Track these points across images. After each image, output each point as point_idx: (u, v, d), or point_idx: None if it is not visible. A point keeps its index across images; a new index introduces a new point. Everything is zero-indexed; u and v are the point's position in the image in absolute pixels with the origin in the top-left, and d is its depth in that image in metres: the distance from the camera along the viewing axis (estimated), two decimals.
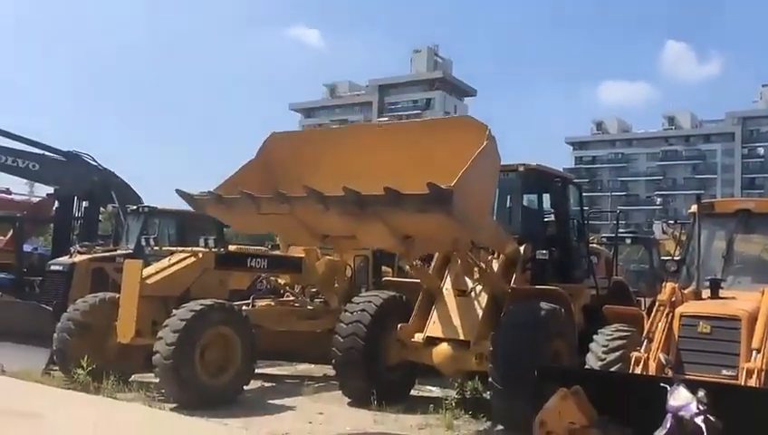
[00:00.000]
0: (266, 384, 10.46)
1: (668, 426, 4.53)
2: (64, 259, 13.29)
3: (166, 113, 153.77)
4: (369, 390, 8.80)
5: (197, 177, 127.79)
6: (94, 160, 16.81)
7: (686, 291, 7.59)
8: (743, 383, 6.27)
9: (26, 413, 7.95)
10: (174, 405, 8.72)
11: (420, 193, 6.42)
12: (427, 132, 8.00)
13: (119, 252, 13.24)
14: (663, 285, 7.74)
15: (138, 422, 8.01)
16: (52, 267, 13.21)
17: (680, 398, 4.57)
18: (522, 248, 9.63)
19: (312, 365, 11.74)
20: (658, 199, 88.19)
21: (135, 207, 14.34)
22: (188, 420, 8.01)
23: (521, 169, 9.88)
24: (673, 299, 7.29)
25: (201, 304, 9.06)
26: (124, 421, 8.02)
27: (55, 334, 9.89)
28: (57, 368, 10.12)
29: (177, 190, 8.07)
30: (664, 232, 10.59)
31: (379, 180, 6.88)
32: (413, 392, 9.83)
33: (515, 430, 7.19)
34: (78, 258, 12.99)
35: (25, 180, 22.25)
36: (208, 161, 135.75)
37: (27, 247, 17.14)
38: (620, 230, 14.15)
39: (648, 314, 7.46)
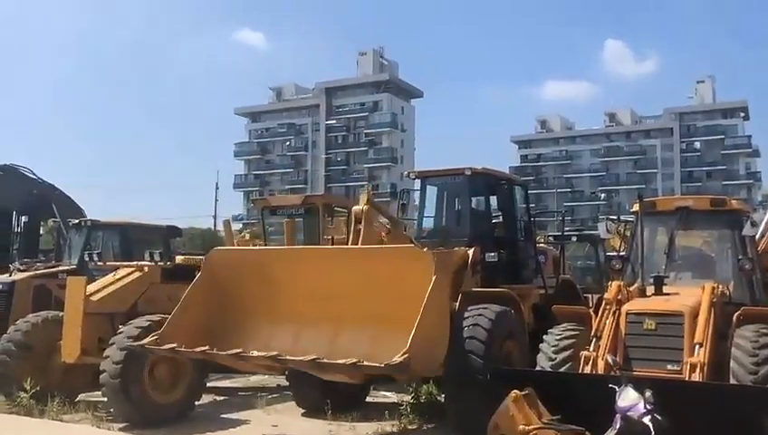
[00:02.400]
0: (219, 398, 10.30)
1: (618, 426, 4.63)
2: (4, 277, 12.79)
3: (105, 119, 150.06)
4: (323, 399, 8.74)
5: (138, 184, 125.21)
6: (33, 173, 16.30)
7: (631, 288, 7.81)
8: (687, 377, 6.47)
9: None
10: (124, 425, 8.49)
11: (377, 365, 6.64)
12: (371, 258, 7.93)
13: (61, 268, 12.82)
14: (609, 283, 7.94)
15: None
16: None
17: (628, 398, 4.68)
18: (471, 251, 9.72)
19: (266, 376, 11.60)
20: (602, 195, 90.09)
21: (77, 220, 13.92)
22: None
23: (467, 172, 9.99)
24: (619, 297, 7.48)
25: (149, 320, 8.85)
26: None
27: None
28: None
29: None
30: (608, 231, 10.79)
31: (328, 306, 7.50)
32: (368, 399, 9.81)
33: (470, 433, 7.23)
34: (18, 276, 12.53)
35: None
36: (152, 168, 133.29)
37: None
38: (567, 228, 14.41)
39: (596, 312, 7.63)
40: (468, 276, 9.54)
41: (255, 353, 7.25)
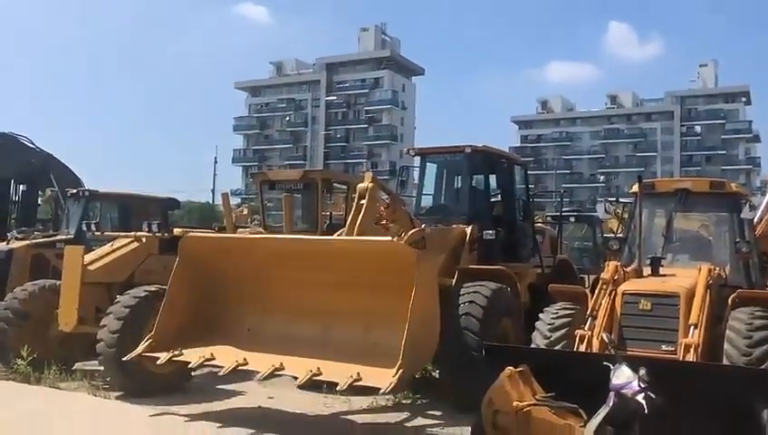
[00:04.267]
0: (215, 369, 10.33)
1: (611, 403, 4.66)
2: (1, 246, 12.79)
3: (107, 94, 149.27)
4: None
5: (141, 159, 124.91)
6: (31, 142, 16.22)
7: (627, 269, 7.82)
8: (681, 358, 6.50)
9: None
10: (119, 393, 8.55)
11: (377, 387, 6.66)
12: (355, 250, 7.75)
13: (59, 237, 12.81)
14: (606, 263, 7.96)
15: (82, 412, 7.83)
16: None
17: (622, 376, 4.70)
18: (468, 229, 9.74)
19: None
20: (601, 177, 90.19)
21: (75, 190, 13.89)
22: (134, 409, 7.87)
23: (467, 150, 9.98)
24: (615, 277, 7.50)
25: (146, 290, 8.89)
26: (68, 411, 7.83)
27: None
28: None
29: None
30: (607, 211, 10.81)
31: (316, 297, 7.52)
32: None
33: (464, 409, 7.29)
34: (16, 244, 12.52)
35: None
36: (153, 142, 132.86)
37: None
38: (564, 209, 14.42)
39: (592, 292, 7.66)
40: (466, 254, 9.60)
41: (254, 368, 7.32)
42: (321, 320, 7.67)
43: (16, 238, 12.85)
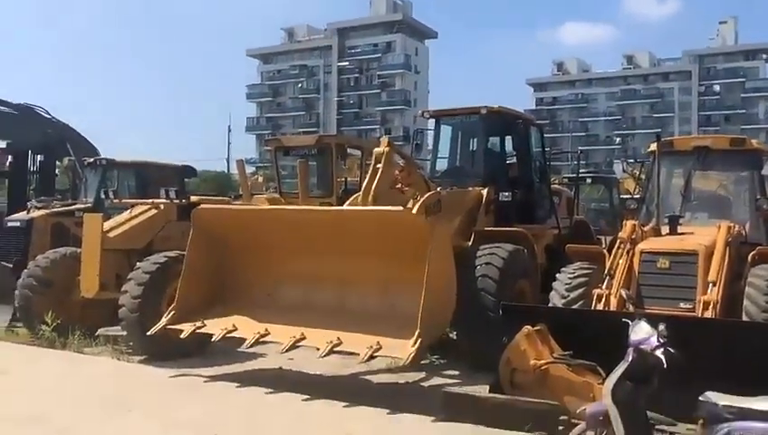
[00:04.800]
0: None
1: (630, 359, 4.66)
2: (22, 215, 12.98)
3: (117, 60, 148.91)
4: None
5: (155, 129, 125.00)
6: (47, 113, 16.32)
7: (645, 228, 7.79)
8: (700, 315, 6.50)
9: None
10: (142, 357, 8.71)
11: (397, 357, 6.87)
12: (368, 219, 7.75)
13: (78, 206, 12.97)
14: (623, 222, 7.93)
15: (106, 375, 7.99)
16: (10, 224, 12.90)
17: (641, 332, 4.70)
18: (484, 191, 9.70)
19: None
20: (618, 139, 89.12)
21: (92, 159, 13.99)
22: (157, 371, 8.02)
23: (483, 111, 9.89)
24: (633, 236, 7.48)
25: (165, 256, 8.99)
26: (93, 374, 8.00)
27: (17, 291, 9.74)
28: (21, 325, 9.98)
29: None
30: (624, 171, 10.74)
31: (330, 266, 7.63)
32: None
33: (481, 369, 7.36)
34: (36, 214, 12.70)
35: None
36: (163, 110, 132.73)
37: None
38: (581, 170, 14.32)
39: (609, 251, 7.65)
40: (482, 216, 9.58)
41: (276, 340, 7.45)
42: (338, 289, 7.75)
43: (36, 208, 13.03)
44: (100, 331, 9.90)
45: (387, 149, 8.43)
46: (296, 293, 8.03)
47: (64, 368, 8.23)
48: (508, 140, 10.55)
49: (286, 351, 7.36)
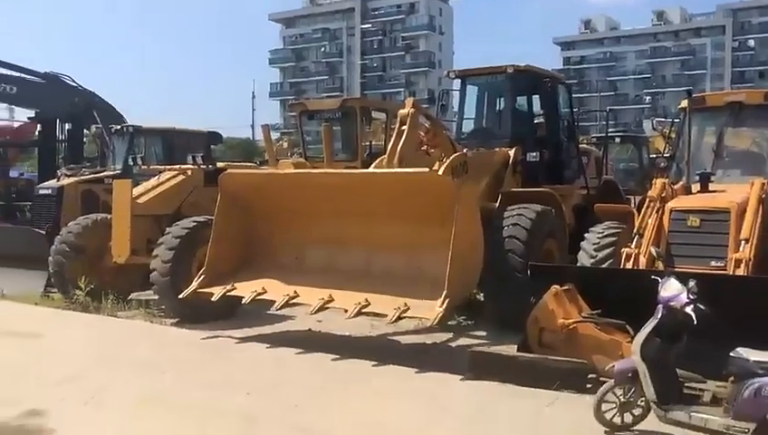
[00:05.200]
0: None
1: (659, 316, 4.64)
2: (52, 183, 13.20)
3: (138, 29, 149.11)
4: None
5: (178, 97, 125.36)
6: (74, 81, 16.45)
7: (676, 186, 7.66)
8: (731, 273, 6.41)
9: (29, 334, 8.09)
10: (175, 320, 8.88)
11: (425, 318, 6.96)
12: (394, 182, 7.67)
13: (106, 173, 13.14)
14: (653, 181, 7.80)
15: (140, 337, 8.18)
16: (41, 191, 13.14)
17: (671, 289, 4.66)
18: (512, 152, 9.61)
19: None
20: (647, 98, 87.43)
21: (119, 126, 14.11)
22: (189, 333, 8.17)
23: (509, 70, 9.74)
24: (663, 195, 7.36)
25: (194, 221, 9.10)
26: (126, 337, 8.19)
27: (50, 257, 9.94)
28: (55, 290, 10.21)
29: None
30: (654, 129, 10.51)
31: (356, 229, 7.67)
32: None
33: (508, 329, 7.38)
34: (66, 181, 12.90)
35: (4, 104, 21.81)
36: (185, 76, 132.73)
37: (13, 173, 16.99)
38: (610, 130, 14.07)
39: (639, 210, 7.55)
40: (509, 177, 9.51)
41: (305, 302, 7.53)
42: (365, 250, 7.78)
43: (66, 176, 13.23)
44: (133, 295, 10.10)
45: (412, 110, 8.36)
46: (324, 256, 8.09)
47: (99, 331, 8.43)
48: (535, 99, 10.38)
49: (315, 312, 7.44)
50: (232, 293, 7.97)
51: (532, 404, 5.51)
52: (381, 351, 7.40)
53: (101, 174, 13.25)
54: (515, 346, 6.59)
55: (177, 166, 11.02)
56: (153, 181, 10.57)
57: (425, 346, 7.93)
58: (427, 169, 7.64)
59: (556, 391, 5.73)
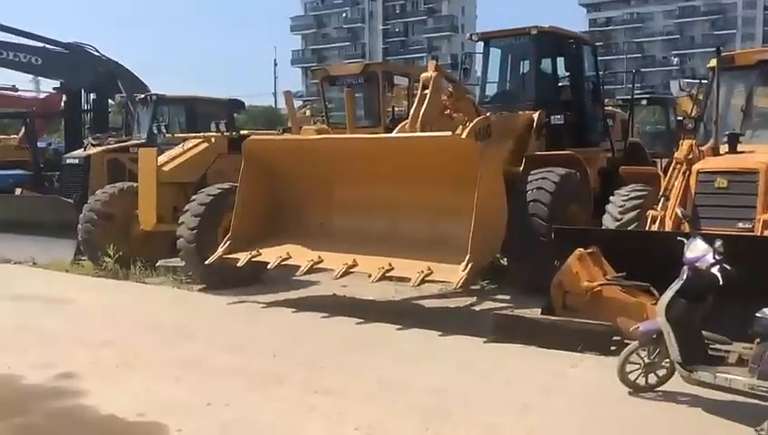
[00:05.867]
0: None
1: (685, 277, 4.60)
2: (79, 152, 13.34)
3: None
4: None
5: (192, 64, 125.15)
6: (97, 51, 16.52)
7: (703, 148, 7.54)
8: (759, 234, 6.33)
9: (60, 299, 8.30)
10: (201, 286, 9.02)
11: (448, 282, 7.03)
12: (417, 146, 7.67)
13: (132, 142, 13.24)
14: (680, 142, 7.68)
15: (168, 303, 8.34)
16: (68, 161, 13.30)
17: (697, 250, 4.62)
18: (536, 115, 9.50)
19: None
20: (675, 59, 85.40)
21: (143, 96, 14.18)
22: (216, 299, 8.32)
23: (533, 31, 9.58)
24: (690, 156, 7.25)
25: (219, 188, 9.17)
26: (155, 302, 8.36)
27: (79, 226, 10.11)
28: (85, 258, 10.41)
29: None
30: (682, 89, 10.30)
31: (381, 193, 7.65)
32: None
33: (532, 293, 7.38)
34: (92, 150, 13.03)
35: (29, 76, 22.03)
36: (207, 48, 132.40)
37: (41, 143, 17.20)
38: (636, 92, 13.78)
39: (665, 172, 7.45)
40: (533, 140, 9.43)
41: (329, 267, 7.63)
42: (388, 215, 7.78)
43: (92, 145, 13.37)
44: (160, 262, 10.25)
45: (434, 73, 8.28)
46: (347, 221, 8.11)
47: (128, 297, 8.61)
48: (560, 61, 10.18)
49: (339, 277, 7.51)
50: (257, 258, 8.05)
51: (556, 365, 5.54)
52: (406, 315, 7.47)
53: (127, 143, 13.36)
54: (539, 310, 6.61)
55: (201, 134, 11.07)
56: (178, 149, 10.63)
57: (448, 310, 7.99)
58: (450, 133, 7.58)
59: (580, 353, 5.76)
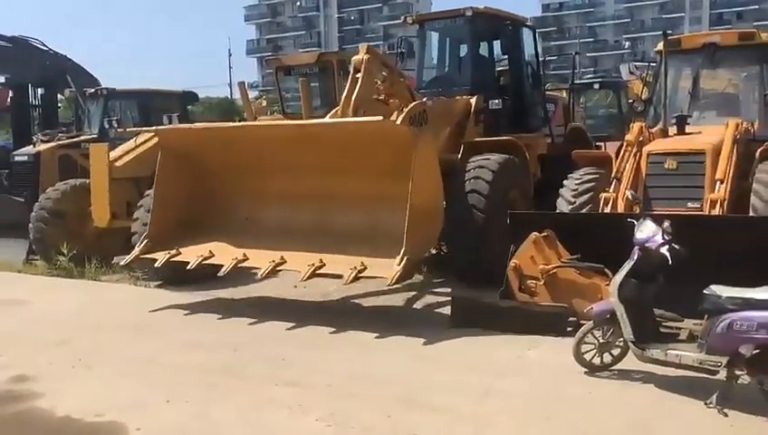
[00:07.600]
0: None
1: (635, 257, 4.72)
2: (28, 149, 12.98)
3: None
4: None
5: (145, 55, 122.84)
6: (44, 45, 16.03)
7: (653, 130, 7.71)
8: (707, 213, 6.51)
9: (14, 301, 8.10)
10: (159, 283, 8.89)
11: (382, 278, 6.55)
12: (347, 132, 7.20)
13: (83, 138, 12.93)
14: (630, 125, 7.84)
15: (125, 300, 8.20)
16: (17, 158, 12.92)
17: (646, 230, 4.74)
18: (473, 100, 9.28)
19: None
20: (627, 43, 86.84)
21: (94, 90, 13.84)
22: (174, 295, 8.19)
23: (468, 12, 9.35)
24: (640, 139, 7.41)
25: None
26: (111, 300, 8.21)
27: (31, 224, 9.89)
28: (38, 257, 10.17)
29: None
30: (631, 72, 10.47)
31: (311, 183, 7.23)
32: None
33: (474, 283, 7.37)
34: (42, 147, 12.68)
35: None
36: (158, 38, 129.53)
37: None
38: (588, 76, 13.96)
39: (617, 155, 7.59)
40: (471, 126, 9.20)
41: (254, 265, 7.17)
42: (319, 208, 7.40)
43: (42, 141, 13.00)
44: (116, 259, 10.07)
45: (366, 56, 7.87)
46: (275, 215, 7.69)
47: (84, 296, 8.45)
48: (497, 44, 9.92)
49: (264, 276, 7.13)
50: (177, 258, 7.59)
51: (514, 349, 5.63)
52: (367, 306, 7.47)
53: (78, 139, 13.03)
54: (496, 295, 6.67)
55: (154, 128, 10.85)
56: (130, 144, 10.44)
57: (409, 300, 7.95)
58: (382, 118, 6.93)
59: (538, 335, 5.85)
